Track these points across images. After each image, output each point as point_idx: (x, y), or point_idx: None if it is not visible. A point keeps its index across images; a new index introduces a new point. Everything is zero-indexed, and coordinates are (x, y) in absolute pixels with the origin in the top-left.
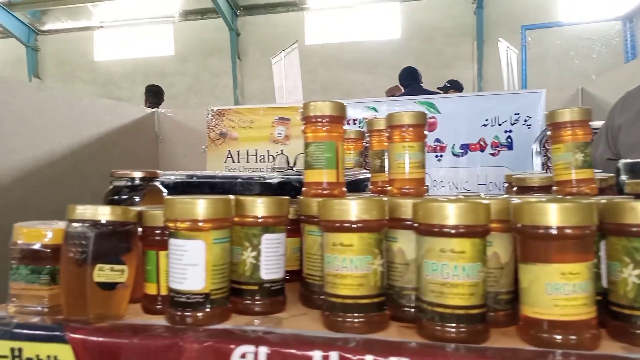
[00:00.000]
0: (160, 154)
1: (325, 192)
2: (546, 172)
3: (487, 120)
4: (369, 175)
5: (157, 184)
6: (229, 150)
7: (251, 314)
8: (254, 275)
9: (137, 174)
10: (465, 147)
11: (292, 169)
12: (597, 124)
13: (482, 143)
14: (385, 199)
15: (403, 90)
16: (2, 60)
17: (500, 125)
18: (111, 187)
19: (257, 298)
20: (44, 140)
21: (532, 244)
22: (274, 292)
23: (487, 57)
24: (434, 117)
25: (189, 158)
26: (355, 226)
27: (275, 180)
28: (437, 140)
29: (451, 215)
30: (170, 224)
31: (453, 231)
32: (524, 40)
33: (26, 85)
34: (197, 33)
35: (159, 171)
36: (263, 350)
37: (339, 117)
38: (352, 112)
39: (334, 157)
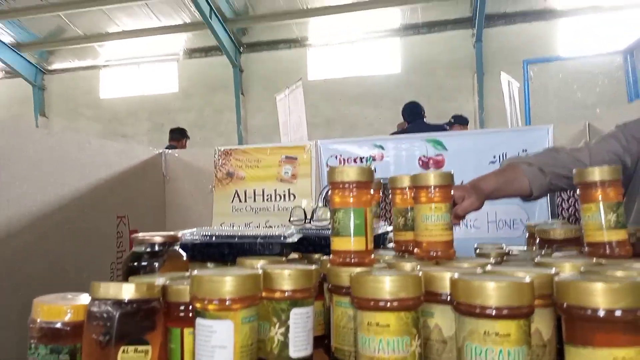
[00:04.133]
0: (167, 194)
1: (354, 260)
2: (563, 220)
3: (494, 157)
4: (388, 228)
5: (177, 248)
6: (236, 190)
7: None
8: (282, 354)
9: (157, 239)
10: None
11: (309, 222)
12: None
13: None
14: (420, 273)
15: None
16: (10, 98)
17: None
18: (131, 253)
19: None
20: (53, 184)
21: (579, 325)
22: None
23: (487, 89)
24: (441, 155)
25: (196, 197)
26: (391, 305)
27: (294, 239)
28: None
29: (494, 295)
30: (198, 304)
31: (497, 313)
32: (527, 75)
33: (37, 130)
34: (201, 70)
35: (178, 234)
36: None
37: (366, 183)
38: (358, 150)
39: (362, 223)
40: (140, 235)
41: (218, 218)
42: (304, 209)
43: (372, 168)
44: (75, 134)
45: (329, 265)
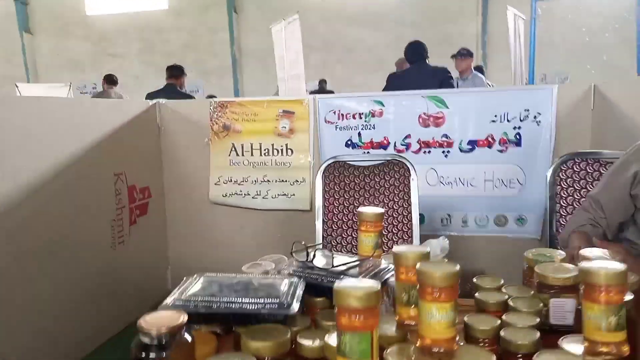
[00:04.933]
0: (163, 147)
1: None
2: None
3: (495, 116)
4: (390, 268)
5: (184, 334)
6: (233, 143)
7: None
8: None
9: (163, 330)
10: (473, 144)
11: (310, 262)
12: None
13: (490, 139)
14: None
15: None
16: None
17: (509, 121)
18: (138, 340)
19: None
20: (48, 152)
21: None
22: None
23: (492, 13)
24: (441, 112)
25: (192, 150)
26: None
27: (297, 305)
28: (445, 135)
29: None
30: None
31: None
32: (534, 13)
33: (26, 99)
34: None
35: (185, 318)
36: None
37: (373, 308)
38: (357, 106)
39: (368, 349)
40: (146, 326)
41: (216, 171)
42: (305, 245)
43: (373, 124)
44: (65, 99)
45: None
